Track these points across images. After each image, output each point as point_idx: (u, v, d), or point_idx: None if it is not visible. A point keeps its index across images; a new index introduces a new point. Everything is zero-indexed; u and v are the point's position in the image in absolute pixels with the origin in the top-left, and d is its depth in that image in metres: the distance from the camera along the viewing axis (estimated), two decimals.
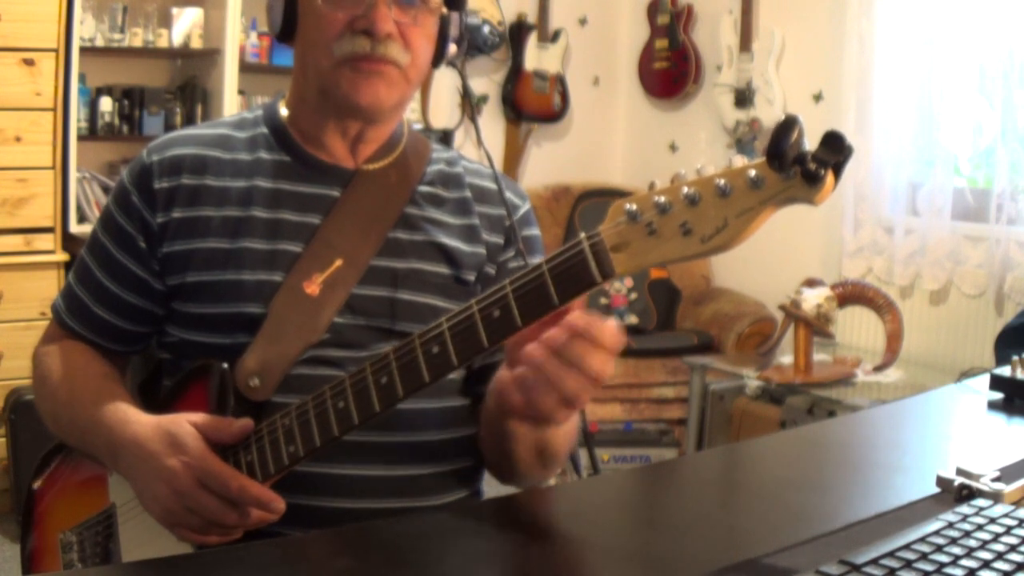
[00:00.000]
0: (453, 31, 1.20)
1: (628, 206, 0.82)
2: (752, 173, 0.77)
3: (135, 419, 1.06)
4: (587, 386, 0.90)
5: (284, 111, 1.23)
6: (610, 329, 0.90)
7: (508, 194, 1.27)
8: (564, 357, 0.89)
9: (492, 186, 1.27)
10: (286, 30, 1.16)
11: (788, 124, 0.75)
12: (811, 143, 0.77)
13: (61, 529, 1.20)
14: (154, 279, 1.17)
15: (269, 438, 1.01)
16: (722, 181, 0.78)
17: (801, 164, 0.75)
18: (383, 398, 0.95)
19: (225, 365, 1.09)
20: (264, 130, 1.22)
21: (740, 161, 0.79)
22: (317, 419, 0.98)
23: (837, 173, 0.76)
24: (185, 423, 1.01)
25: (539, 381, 0.90)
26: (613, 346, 0.90)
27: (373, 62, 1.12)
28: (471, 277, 1.21)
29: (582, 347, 0.89)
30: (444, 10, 1.18)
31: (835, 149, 0.75)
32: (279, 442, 1.00)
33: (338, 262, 1.14)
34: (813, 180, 0.75)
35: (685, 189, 0.79)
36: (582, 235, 0.84)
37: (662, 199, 0.80)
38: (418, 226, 1.20)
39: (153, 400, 1.15)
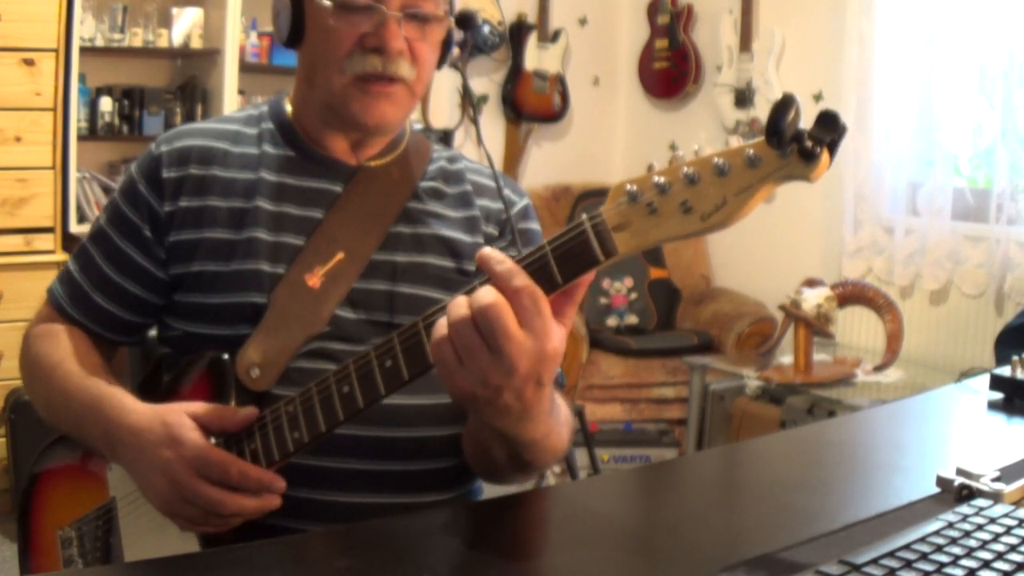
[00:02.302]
0: (457, 36, 1.20)
1: (629, 187, 0.83)
2: (750, 152, 0.78)
3: (132, 408, 1.06)
4: (502, 369, 0.84)
5: (289, 108, 1.25)
6: (527, 294, 0.83)
7: (506, 191, 1.28)
8: (480, 326, 0.83)
9: (491, 183, 1.29)
10: (293, 37, 1.17)
11: (786, 103, 0.77)
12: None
13: (59, 525, 1.20)
14: (158, 268, 1.18)
15: (273, 425, 1.02)
16: (720, 160, 0.79)
17: (798, 142, 0.77)
18: (388, 381, 0.95)
19: (226, 356, 1.10)
20: (270, 125, 1.24)
21: (737, 142, 0.80)
22: (322, 404, 0.98)
23: (832, 151, 0.78)
24: (182, 414, 1.01)
25: (449, 349, 0.86)
26: (536, 317, 0.84)
27: (383, 83, 1.13)
28: (473, 268, 1.22)
29: (496, 316, 0.82)
30: (452, 22, 1.18)
31: (830, 127, 0.77)
32: (283, 429, 1.01)
33: (339, 255, 1.15)
34: (809, 157, 0.77)
35: (684, 169, 0.81)
36: (584, 216, 0.84)
37: (662, 179, 0.81)
38: (420, 220, 1.21)
39: (154, 394, 1.16)
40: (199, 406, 1.03)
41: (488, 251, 0.86)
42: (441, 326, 0.86)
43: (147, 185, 1.18)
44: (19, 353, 1.25)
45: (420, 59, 1.15)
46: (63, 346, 1.18)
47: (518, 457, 1.03)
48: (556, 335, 0.86)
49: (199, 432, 1.00)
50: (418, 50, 1.14)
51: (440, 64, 1.21)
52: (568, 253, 0.85)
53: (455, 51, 1.21)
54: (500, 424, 0.93)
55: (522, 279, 0.84)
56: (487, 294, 0.84)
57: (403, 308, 1.16)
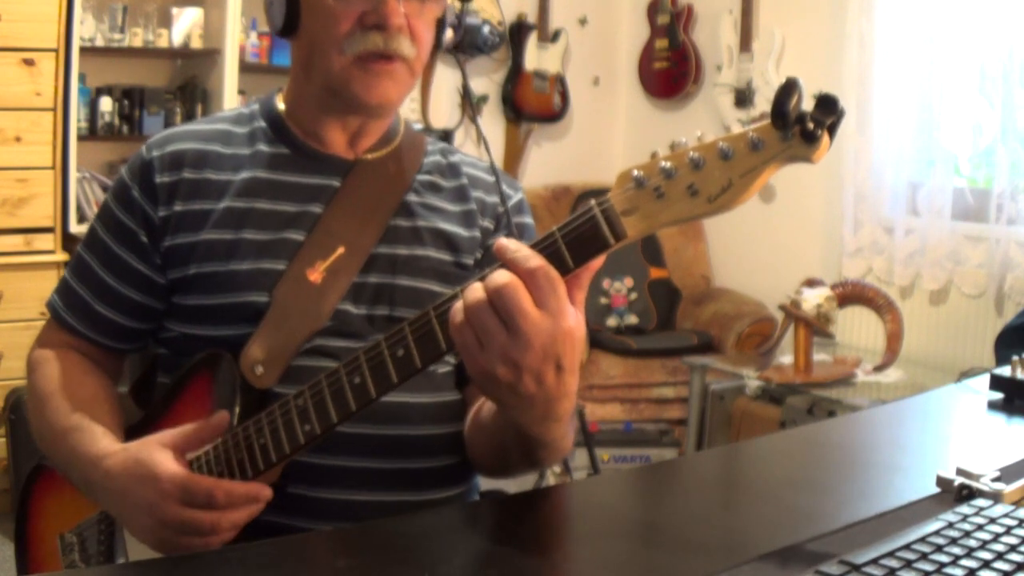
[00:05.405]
0: (450, 16, 1.21)
1: (635, 172, 0.84)
2: (752, 136, 0.81)
3: (107, 452, 1.05)
4: (519, 347, 0.84)
5: (281, 105, 1.24)
6: (541, 274, 0.84)
7: (502, 185, 1.28)
8: (496, 306, 0.84)
9: (486, 176, 1.29)
10: (288, 26, 1.16)
11: (790, 87, 0.79)
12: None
13: (60, 531, 1.20)
14: (156, 273, 1.18)
15: (283, 419, 1.01)
16: (724, 144, 0.82)
17: (800, 124, 0.79)
18: (400, 369, 0.94)
19: (230, 354, 1.09)
20: (262, 124, 1.23)
21: (738, 127, 0.82)
22: (332, 396, 0.98)
23: (832, 133, 0.80)
24: (155, 447, 1.01)
25: (469, 333, 0.86)
26: (551, 296, 0.84)
27: (385, 60, 1.13)
28: (470, 261, 1.23)
29: (511, 295, 0.83)
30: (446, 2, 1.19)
31: (830, 110, 0.79)
32: (293, 422, 1.00)
33: (340, 250, 1.15)
34: (811, 139, 0.79)
35: (690, 154, 0.83)
36: (592, 201, 0.86)
37: (667, 164, 0.83)
38: (418, 213, 1.21)
39: (150, 397, 1.15)
40: (169, 434, 1.02)
41: (505, 241, 0.87)
42: (458, 311, 0.87)
43: (141, 190, 1.18)
44: (26, 376, 1.24)
45: (418, 37, 1.15)
46: (55, 377, 1.18)
47: (531, 456, 1.04)
48: (572, 315, 0.86)
49: (175, 462, 1.00)
50: (416, 27, 1.15)
51: (436, 46, 1.21)
52: (579, 238, 0.86)
53: (449, 33, 1.21)
54: (525, 420, 0.93)
55: (537, 260, 0.85)
56: (501, 275, 0.85)
57: (403, 301, 1.16)
